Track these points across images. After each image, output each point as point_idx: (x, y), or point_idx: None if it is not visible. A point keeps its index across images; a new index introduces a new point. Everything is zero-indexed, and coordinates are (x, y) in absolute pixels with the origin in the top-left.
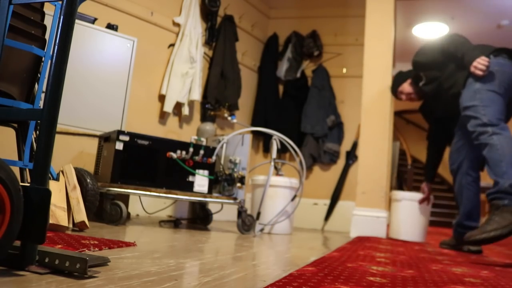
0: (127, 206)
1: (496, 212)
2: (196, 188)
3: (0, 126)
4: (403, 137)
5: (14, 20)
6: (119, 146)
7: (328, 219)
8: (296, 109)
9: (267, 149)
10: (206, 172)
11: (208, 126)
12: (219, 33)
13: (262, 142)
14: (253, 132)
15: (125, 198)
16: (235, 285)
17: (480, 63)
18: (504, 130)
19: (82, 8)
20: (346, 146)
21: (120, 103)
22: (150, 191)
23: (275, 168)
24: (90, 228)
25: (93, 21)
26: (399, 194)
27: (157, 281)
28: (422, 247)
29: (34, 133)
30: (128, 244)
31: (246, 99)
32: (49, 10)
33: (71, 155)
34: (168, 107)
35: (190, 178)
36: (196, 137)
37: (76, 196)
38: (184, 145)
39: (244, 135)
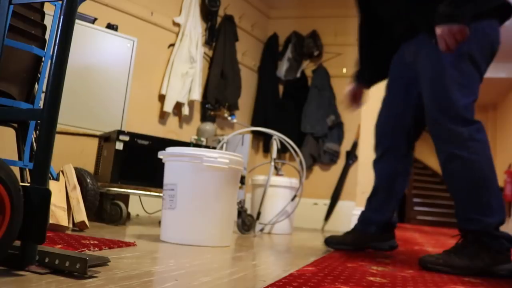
0: (127, 206)
1: (471, 246)
2: None
3: (0, 126)
4: None
5: (14, 20)
6: (119, 146)
7: (328, 219)
8: (296, 109)
9: (267, 149)
10: None
11: (208, 126)
12: (219, 33)
13: (262, 142)
14: (253, 132)
15: (125, 198)
16: (235, 285)
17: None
18: (482, 132)
19: (82, 8)
20: (346, 146)
21: (120, 103)
22: (150, 191)
23: (275, 168)
24: (90, 228)
25: (93, 21)
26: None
27: (157, 281)
28: (421, 247)
29: (34, 133)
30: (128, 244)
31: (246, 99)
32: (49, 10)
33: (71, 155)
34: (168, 107)
35: None
36: (196, 137)
37: (76, 196)
38: (184, 145)
39: (244, 135)
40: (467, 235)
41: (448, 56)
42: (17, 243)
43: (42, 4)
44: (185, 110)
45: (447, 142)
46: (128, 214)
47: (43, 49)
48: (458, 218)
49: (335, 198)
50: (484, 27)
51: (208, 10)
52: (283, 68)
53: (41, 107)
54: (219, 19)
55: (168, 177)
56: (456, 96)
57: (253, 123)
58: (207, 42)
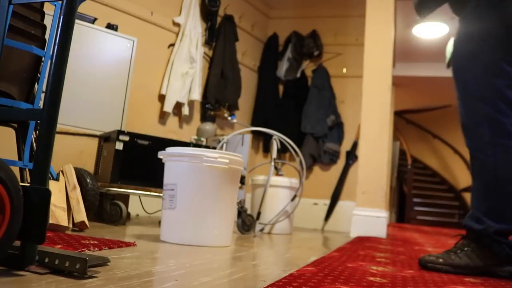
0: (127, 206)
1: (472, 245)
2: None
3: (0, 126)
4: (403, 137)
5: (14, 20)
6: (119, 146)
7: (328, 219)
8: (296, 109)
9: (267, 149)
10: None
11: (208, 126)
12: (219, 33)
13: (262, 142)
14: (253, 132)
15: (125, 198)
16: (235, 285)
17: None
18: (508, 136)
19: (82, 8)
20: (346, 146)
21: (120, 103)
22: (150, 191)
23: (275, 168)
24: (90, 228)
25: (93, 21)
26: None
27: (157, 281)
28: (422, 247)
29: (34, 133)
30: (128, 244)
31: (246, 99)
32: (49, 10)
33: (71, 155)
34: (168, 107)
35: None
36: (196, 137)
37: (76, 196)
38: (184, 145)
39: (244, 135)
40: (469, 233)
41: (460, 56)
42: (17, 243)
43: (42, 4)
44: (185, 110)
45: (470, 142)
46: (128, 214)
47: (43, 49)
48: (468, 214)
49: (335, 198)
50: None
51: (208, 10)
52: (283, 68)
53: (41, 107)
54: (219, 19)
55: (168, 177)
56: (472, 100)
57: (253, 123)
58: (207, 42)
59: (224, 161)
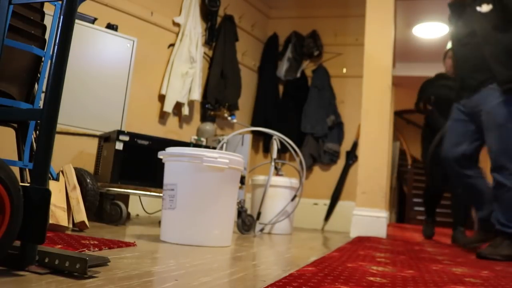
0: (127, 206)
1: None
2: None
3: (0, 126)
4: (403, 137)
5: (14, 20)
6: (119, 146)
7: (328, 219)
8: (296, 109)
9: (267, 149)
10: None
11: (208, 126)
12: (219, 33)
13: (262, 142)
14: (253, 132)
15: (125, 198)
16: (235, 285)
17: None
18: None
19: (82, 8)
20: (346, 146)
21: (120, 103)
22: (150, 191)
23: (275, 168)
24: (90, 228)
25: (93, 21)
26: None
27: (157, 281)
28: (422, 247)
29: (34, 133)
30: (128, 244)
31: (246, 99)
32: (49, 10)
33: (71, 155)
34: (168, 107)
35: None
36: (196, 137)
37: (76, 196)
38: (184, 145)
39: (244, 135)
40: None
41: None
42: (17, 243)
43: (42, 4)
44: (185, 110)
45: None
46: (128, 214)
47: (43, 49)
48: (496, 221)
49: (335, 198)
50: None
51: (208, 10)
52: (283, 68)
53: (41, 107)
54: (219, 19)
55: (168, 177)
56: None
57: (253, 123)
58: (207, 42)
59: (224, 161)
